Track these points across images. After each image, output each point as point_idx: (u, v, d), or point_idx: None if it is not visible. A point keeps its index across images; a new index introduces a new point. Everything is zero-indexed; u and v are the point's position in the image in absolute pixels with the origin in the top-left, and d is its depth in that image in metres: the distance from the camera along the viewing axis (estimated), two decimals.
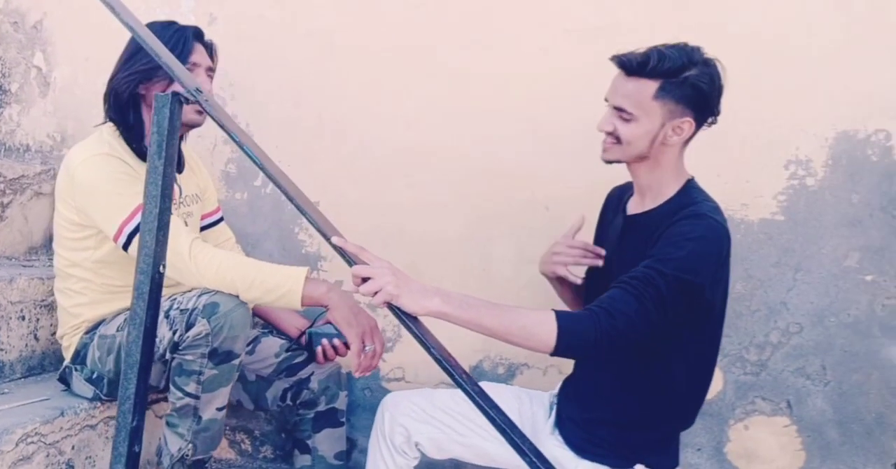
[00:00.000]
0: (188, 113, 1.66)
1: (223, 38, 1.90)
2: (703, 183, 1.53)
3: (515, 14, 1.99)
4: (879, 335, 1.81)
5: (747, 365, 1.88)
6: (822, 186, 1.85)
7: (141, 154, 1.68)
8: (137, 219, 1.55)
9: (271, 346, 1.89)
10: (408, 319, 1.26)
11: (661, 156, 1.46)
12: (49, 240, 2.28)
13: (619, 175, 1.59)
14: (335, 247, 1.29)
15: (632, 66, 1.38)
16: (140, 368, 1.31)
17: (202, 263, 1.54)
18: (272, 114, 2.14)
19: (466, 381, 1.23)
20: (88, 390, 1.68)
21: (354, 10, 2.09)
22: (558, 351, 1.25)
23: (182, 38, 1.68)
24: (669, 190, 1.48)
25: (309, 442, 1.88)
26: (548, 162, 1.98)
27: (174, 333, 1.51)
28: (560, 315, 1.26)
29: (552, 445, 1.52)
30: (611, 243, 1.58)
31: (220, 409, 1.59)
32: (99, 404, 1.67)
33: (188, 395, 1.54)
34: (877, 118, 1.82)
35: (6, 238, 2.11)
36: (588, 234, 1.70)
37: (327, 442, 1.87)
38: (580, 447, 1.49)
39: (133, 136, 1.69)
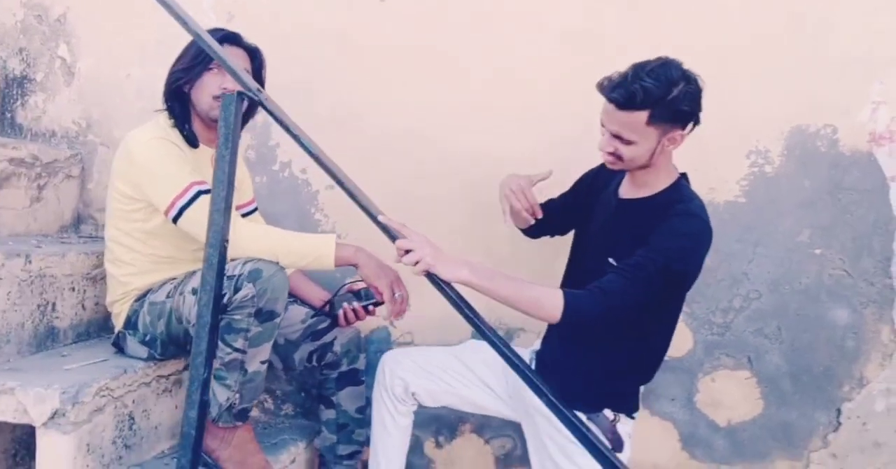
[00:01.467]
0: (212, 110, 1.87)
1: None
2: (681, 168, 1.80)
3: (515, 17, 2.23)
4: (826, 300, 2.12)
5: (714, 327, 2.17)
6: (778, 173, 2.15)
7: (189, 140, 1.89)
8: (188, 195, 1.77)
9: (297, 314, 2.10)
10: (443, 284, 1.50)
11: (657, 160, 1.66)
12: (77, 219, 2.45)
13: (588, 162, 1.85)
14: (381, 224, 1.52)
15: (620, 102, 1.53)
16: (210, 328, 1.52)
17: (245, 235, 1.76)
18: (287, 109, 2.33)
19: (494, 336, 1.47)
20: (143, 351, 1.88)
21: (368, 9, 2.30)
22: (562, 323, 1.51)
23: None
24: (662, 183, 1.70)
25: (333, 398, 2.10)
26: (543, 153, 2.22)
27: (223, 297, 1.72)
28: (566, 293, 1.51)
29: (533, 395, 1.77)
30: (600, 219, 1.80)
31: (263, 363, 1.80)
32: (152, 364, 1.86)
33: (236, 350, 1.75)
34: (825, 114, 2.12)
35: (43, 217, 2.27)
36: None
37: (349, 398, 2.10)
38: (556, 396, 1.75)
39: (181, 125, 1.89)
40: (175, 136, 1.88)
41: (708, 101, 2.05)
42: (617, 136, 1.59)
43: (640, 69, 1.54)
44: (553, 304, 1.50)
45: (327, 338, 2.10)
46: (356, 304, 2.03)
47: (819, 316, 2.13)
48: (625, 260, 1.57)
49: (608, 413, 1.70)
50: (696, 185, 1.85)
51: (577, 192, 1.97)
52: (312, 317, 2.10)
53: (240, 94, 1.51)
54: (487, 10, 2.24)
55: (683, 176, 1.74)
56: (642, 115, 1.54)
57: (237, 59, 1.88)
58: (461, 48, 2.25)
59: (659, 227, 1.58)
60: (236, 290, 1.71)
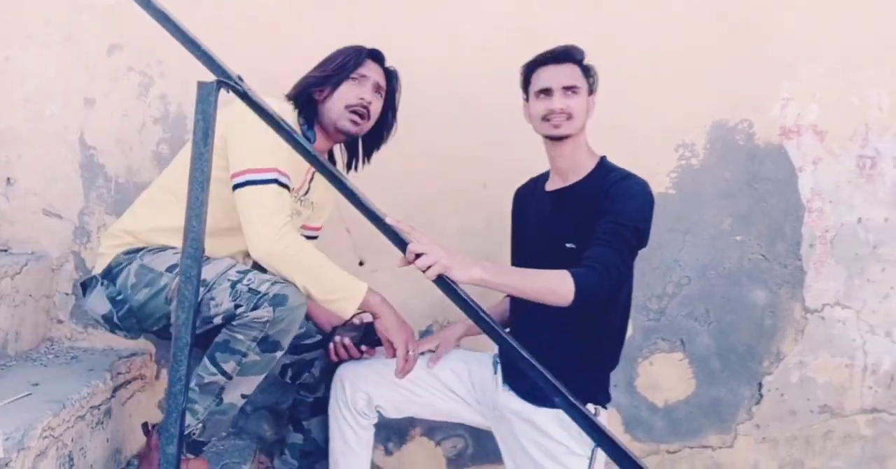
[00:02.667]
0: (341, 119, 1.77)
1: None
2: (614, 158, 1.81)
3: (457, 9, 2.17)
4: (747, 283, 2.28)
5: (650, 313, 2.27)
6: (702, 166, 2.27)
7: (310, 135, 1.80)
8: (265, 175, 1.62)
9: None
10: (456, 287, 1.42)
11: (580, 136, 1.76)
12: None
13: (540, 159, 1.86)
14: (388, 226, 1.41)
15: (562, 55, 1.74)
16: (189, 350, 1.35)
17: (287, 240, 1.60)
18: None
19: (506, 335, 1.42)
20: (104, 308, 1.69)
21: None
22: (574, 304, 1.50)
23: (357, 53, 1.80)
24: (587, 166, 1.77)
25: (305, 423, 1.96)
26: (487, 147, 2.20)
27: (236, 307, 1.53)
28: (574, 274, 1.51)
29: (507, 398, 1.76)
30: (537, 221, 1.82)
31: (243, 396, 1.63)
32: (85, 394, 1.63)
33: (222, 373, 1.57)
34: (742, 110, 2.27)
35: None
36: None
37: (320, 426, 1.96)
38: (532, 396, 1.74)
39: (307, 124, 1.80)
40: (293, 123, 1.75)
41: (640, 98, 2.18)
42: (568, 88, 1.71)
43: (554, 51, 1.76)
44: (566, 287, 1.50)
45: (307, 355, 1.94)
46: (347, 341, 1.87)
47: (741, 298, 2.29)
48: (597, 233, 1.61)
49: (590, 407, 1.72)
50: None
51: (514, 228, 1.97)
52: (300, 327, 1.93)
53: (219, 82, 1.33)
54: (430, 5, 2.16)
55: (604, 158, 1.81)
56: (576, 68, 1.75)
57: (374, 74, 1.82)
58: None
59: (606, 195, 1.66)
60: (254, 307, 1.55)
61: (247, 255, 1.76)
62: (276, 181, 1.63)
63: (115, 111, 2.11)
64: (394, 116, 1.92)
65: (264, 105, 1.39)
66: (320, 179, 1.80)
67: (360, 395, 1.83)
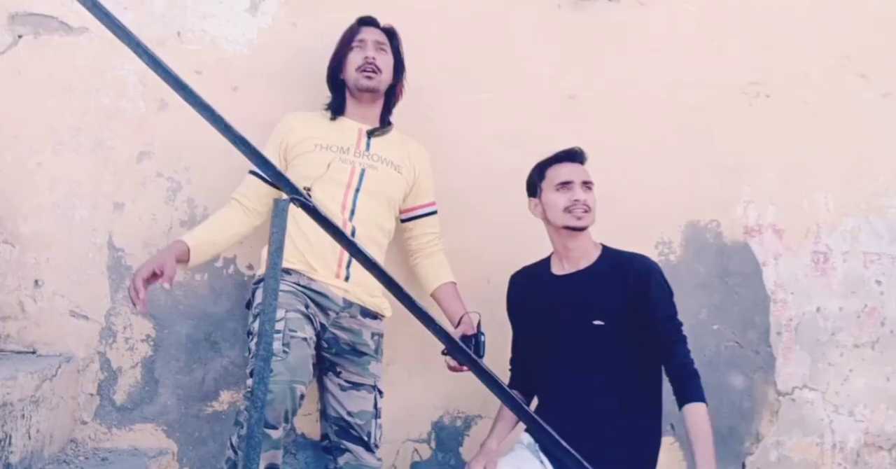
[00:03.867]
0: (358, 80, 2.04)
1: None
2: None
3: (454, 120, 2.41)
4: (725, 369, 2.51)
5: None
6: (679, 261, 2.53)
7: (331, 115, 2.10)
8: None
9: None
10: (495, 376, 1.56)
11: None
12: None
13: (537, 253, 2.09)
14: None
15: (579, 156, 2.02)
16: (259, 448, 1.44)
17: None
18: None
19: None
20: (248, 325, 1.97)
21: None
22: None
23: (350, 28, 2.11)
24: (594, 252, 2.01)
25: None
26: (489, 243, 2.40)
27: (250, 374, 1.65)
28: (697, 397, 1.85)
29: None
30: (553, 304, 1.97)
31: None
32: None
33: (231, 447, 1.67)
34: (710, 211, 2.56)
35: None
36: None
37: None
38: None
39: (332, 108, 2.11)
40: (319, 114, 2.11)
41: (622, 200, 2.43)
42: (587, 183, 1.98)
43: (572, 147, 2.04)
44: (709, 418, 1.83)
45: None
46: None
47: (721, 383, 2.50)
48: (665, 326, 1.91)
49: None
50: None
51: (519, 313, 2.12)
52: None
53: (292, 198, 1.49)
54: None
55: (602, 244, 2.06)
56: (586, 168, 2.04)
57: (371, 35, 2.09)
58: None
59: (644, 282, 1.90)
60: (250, 374, 1.65)
61: None
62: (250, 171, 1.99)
63: (143, 215, 2.23)
64: (402, 67, 2.15)
65: (327, 216, 1.56)
66: (389, 139, 2.12)
67: None
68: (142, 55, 1.21)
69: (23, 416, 1.74)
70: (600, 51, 2.52)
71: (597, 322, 1.87)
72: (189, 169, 2.26)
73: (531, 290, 2.07)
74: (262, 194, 2.00)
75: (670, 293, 1.95)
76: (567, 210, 1.93)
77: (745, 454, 2.48)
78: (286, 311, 1.80)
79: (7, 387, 1.64)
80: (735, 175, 2.58)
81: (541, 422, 1.52)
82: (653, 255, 2.50)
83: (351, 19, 2.16)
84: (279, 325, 1.75)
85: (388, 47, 2.11)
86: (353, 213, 1.97)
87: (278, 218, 1.49)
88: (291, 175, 1.89)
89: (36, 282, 2.17)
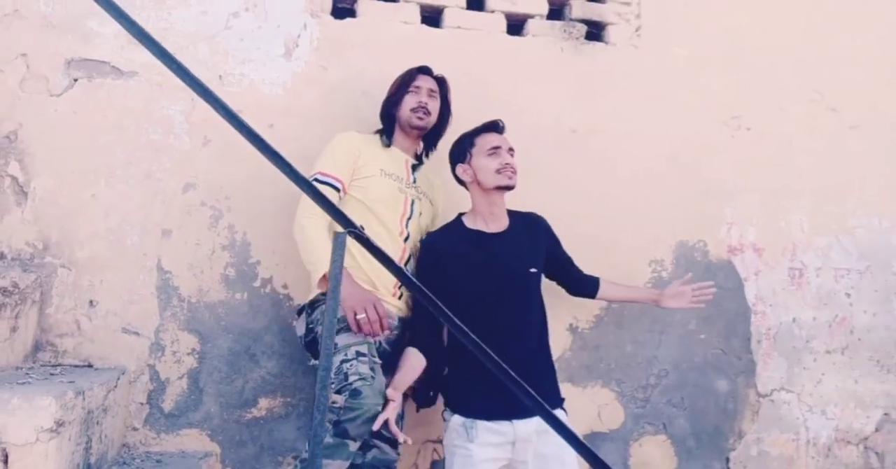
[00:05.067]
0: (411, 119, 2.34)
1: None
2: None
3: None
4: (711, 374, 2.78)
5: (638, 401, 2.72)
6: (671, 277, 2.79)
7: (384, 142, 2.37)
8: (309, 175, 2.15)
9: None
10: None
11: None
12: (35, 346, 2.32)
13: None
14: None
15: (501, 128, 2.31)
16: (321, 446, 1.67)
17: (300, 224, 2.17)
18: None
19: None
20: (301, 330, 2.23)
21: None
22: None
23: (410, 72, 2.39)
24: (506, 213, 2.31)
25: None
26: None
27: (332, 384, 1.88)
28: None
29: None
30: (489, 258, 2.20)
31: None
32: None
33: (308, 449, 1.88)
34: (698, 232, 2.83)
35: (18, 347, 2.15)
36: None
37: None
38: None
39: (385, 131, 2.39)
40: (374, 138, 2.38)
41: (620, 223, 2.70)
42: (510, 149, 2.28)
43: (496, 122, 2.32)
44: None
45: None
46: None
47: (708, 386, 2.77)
48: (568, 258, 2.43)
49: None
50: None
51: (440, 265, 2.26)
52: None
53: (350, 231, 1.73)
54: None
55: None
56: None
57: (426, 83, 2.39)
58: None
59: (545, 231, 2.37)
60: (337, 391, 1.89)
61: None
62: (315, 179, 2.17)
63: (188, 240, 2.45)
64: (448, 111, 2.44)
65: (378, 247, 1.80)
66: (423, 173, 2.44)
67: None
68: (227, 117, 1.46)
69: (97, 422, 1.96)
70: (599, 89, 2.79)
71: (532, 270, 2.22)
72: (230, 198, 2.49)
73: (456, 249, 2.22)
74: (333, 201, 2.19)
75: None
76: (498, 172, 2.22)
77: (728, 450, 2.75)
78: (366, 335, 2.04)
79: (88, 397, 1.86)
80: (719, 199, 2.86)
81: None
82: (646, 272, 2.78)
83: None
84: (364, 349, 1.99)
85: (437, 94, 2.40)
86: (406, 238, 2.25)
87: (338, 249, 1.74)
88: (359, 195, 2.21)
89: (91, 302, 2.39)
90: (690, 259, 2.82)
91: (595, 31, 2.88)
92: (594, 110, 2.78)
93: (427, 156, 2.49)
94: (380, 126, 2.43)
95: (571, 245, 2.46)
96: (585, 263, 2.51)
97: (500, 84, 2.72)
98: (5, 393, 1.63)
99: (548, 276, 2.41)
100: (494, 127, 2.31)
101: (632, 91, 2.81)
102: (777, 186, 2.90)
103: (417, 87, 2.37)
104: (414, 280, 1.84)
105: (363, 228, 1.79)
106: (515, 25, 2.83)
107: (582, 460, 1.70)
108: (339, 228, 2.16)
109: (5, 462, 1.57)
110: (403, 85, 2.37)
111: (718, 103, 2.88)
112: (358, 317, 2.03)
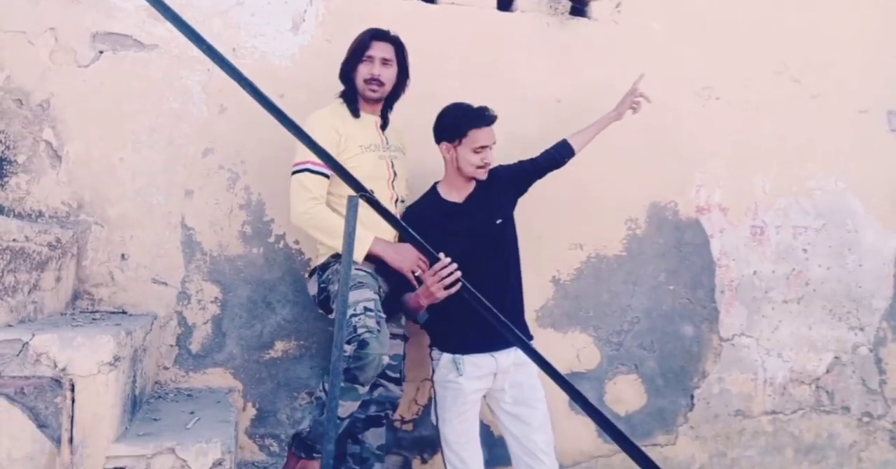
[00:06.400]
0: (364, 91, 2.47)
1: None
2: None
3: None
4: (678, 321, 3.10)
5: (612, 345, 3.04)
6: (643, 234, 3.09)
7: (353, 113, 2.50)
8: (299, 167, 2.38)
9: None
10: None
11: None
12: (74, 295, 2.59)
13: None
14: None
15: (494, 120, 2.48)
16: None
17: (308, 213, 2.36)
18: None
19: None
20: (314, 290, 2.46)
21: None
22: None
23: (362, 39, 2.48)
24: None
25: (360, 436, 2.55)
26: None
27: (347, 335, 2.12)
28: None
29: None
30: (465, 223, 2.48)
31: (339, 419, 2.20)
32: (234, 415, 2.20)
33: (323, 390, 2.17)
34: (669, 194, 3.12)
35: (62, 296, 2.42)
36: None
37: (373, 436, 2.55)
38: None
39: (349, 101, 2.50)
40: (343, 110, 2.50)
41: (598, 185, 2.97)
42: (491, 146, 2.49)
43: (492, 114, 2.49)
44: None
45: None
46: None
47: (675, 332, 3.09)
48: (530, 161, 2.67)
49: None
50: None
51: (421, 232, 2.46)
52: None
53: (361, 195, 1.99)
54: None
55: None
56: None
57: (380, 51, 2.47)
58: None
59: (502, 178, 2.59)
60: (348, 341, 2.11)
61: None
62: (304, 169, 2.35)
63: (209, 200, 2.70)
64: (406, 74, 2.55)
65: (386, 209, 2.07)
66: (390, 131, 2.59)
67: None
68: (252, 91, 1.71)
69: (140, 360, 2.25)
70: (582, 61, 3.03)
71: (498, 221, 2.52)
72: (245, 162, 2.73)
73: (437, 218, 2.49)
74: (325, 189, 2.43)
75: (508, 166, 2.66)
76: (478, 168, 2.48)
77: (693, 388, 3.09)
78: (373, 292, 2.28)
79: (133, 339, 2.14)
80: (690, 164, 3.14)
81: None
82: (622, 230, 3.07)
83: None
84: (371, 305, 2.22)
85: (393, 62, 2.50)
86: (397, 200, 2.50)
87: (352, 211, 2.01)
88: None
89: (122, 255, 2.65)
90: (662, 218, 3.11)
91: (579, 7, 3.10)
92: (577, 81, 3.03)
93: (386, 116, 2.61)
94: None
95: (553, 208, 2.75)
96: (566, 225, 2.84)
97: (490, 57, 2.95)
98: (68, 332, 1.90)
99: (540, 176, 2.69)
100: (490, 121, 2.46)
101: (612, 63, 3.06)
102: (743, 152, 3.18)
103: (370, 57, 2.45)
104: (415, 234, 2.13)
105: (373, 191, 2.07)
106: (505, 1, 3.05)
107: (549, 384, 1.98)
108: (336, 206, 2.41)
109: (72, 390, 1.85)
110: (357, 52, 2.45)
111: (691, 75, 3.14)
112: (416, 274, 2.34)
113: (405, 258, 2.36)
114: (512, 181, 2.63)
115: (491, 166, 2.51)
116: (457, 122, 2.47)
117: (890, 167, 3.34)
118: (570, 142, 2.71)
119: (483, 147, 2.47)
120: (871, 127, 3.35)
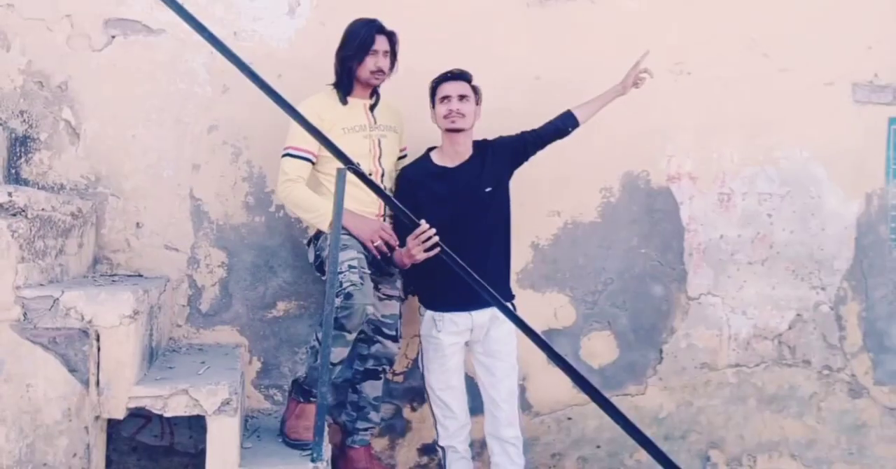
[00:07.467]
0: (370, 79, 2.69)
1: None
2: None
3: None
4: (650, 282, 3.35)
5: (587, 304, 3.30)
6: (618, 202, 3.32)
7: (342, 100, 2.71)
8: (285, 150, 2.63)
9: None
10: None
11: (471, 130, 2.77)
12: (94, 260, 2.87)
13: None
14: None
15: (461, 76, 2.71)
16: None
17: (286, 191, 2.62)
18: None
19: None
20: (311, 257, 2.73)
21: None
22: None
23: (370, 35, 2.67)
24: (471, 147, 2.79)
25: (358, 386, 2.85)
26: None
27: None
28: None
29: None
30: (454, 188, 2.71)
31: (331, 364, 2.49)
32: (240, 366, 2.49)
33: (316, 338, 2.46)
34: (642, 163, 3.34)
35: (84, 261, 2.69)
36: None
37: (369, 388, 2.85)
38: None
39: (342, 89, 2.72)
40: (333, 97, 2.71)
41: (574, 154, 3.20)
42: (462, 97, 2.66)
43: (452, 71, 2.72)
44: None
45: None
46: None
47: (646, 292, 3.35)
48: (529, 133, 2.85)
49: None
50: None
51: (412, 194, 2.74)
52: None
53: (349, 167, 2.24)
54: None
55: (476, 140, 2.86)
56: (466, 85, 2.72)
57: (383, 44, 2.69)
58: None
59: (497, 147, 2.82)
60: (337, 294, 2.35)
61: None
62: (287, 154, 2.60)
63: (214, 173, 2.96)
64: (395, 61, 2.77)
65: (375, 182, 2.32)
66: (382, 107, 2.79)
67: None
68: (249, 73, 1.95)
69: (155, 316, 2.53)
70: (559, 39, 3.24)
71: (487, 189, 2.73)
72: (247, 138, 2.98)
73: (428, 182, 2.73)
74: (307, 171, 2.67)
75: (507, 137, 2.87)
76: (445, 117, 2.69)
77: (662, 343, 3.36)
78: (357, 252, 2.54)
79: (150, 297, 2.42)
80: (662, 135, 3.35)
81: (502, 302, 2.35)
82: (597, 198, 3.31)
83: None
84: (355, 263, 2.47)
85: (389, 52, 2.73)
86: (382, 175, 2.73)
87: (340, 182, 2.26)
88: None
89: (137, 224, 2.92)
90: (634, 186, 3.34)
91: None
92: (556, 59, 3.23)
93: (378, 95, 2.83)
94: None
95: (533, 178, 2.98)
96: (545, 193, 3.09)
97: (474, 36, 3.16)
98: (93, 290, 2.18)
99: (541, 146, 2.89)
100: (453, 77, 2.70)
101: (589, 41, 3.26)
102: (712, 123, 3.39)
103: (375, 51, 2.66)
104: (396, 201, 2.39)
105: (359, 164, 2.32)
106: None
107: (519, 337, 2.25)
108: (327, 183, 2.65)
109: (97, 339, 2.13)
110: (364, 46, 2.65)
111: (664, 51, 3.31)
112: (375, 244, 2.60)
113: (365, 228, 2.62)
114: (508, 151, 2.83)
115: (463, 119, 2.66)
116: (431, 86, 2.75)
117: (853, 137, 3.53)
118: (575, 112, 2.89)
119: (446, 97, 2.67)
120: (837, 99, 3.53)
